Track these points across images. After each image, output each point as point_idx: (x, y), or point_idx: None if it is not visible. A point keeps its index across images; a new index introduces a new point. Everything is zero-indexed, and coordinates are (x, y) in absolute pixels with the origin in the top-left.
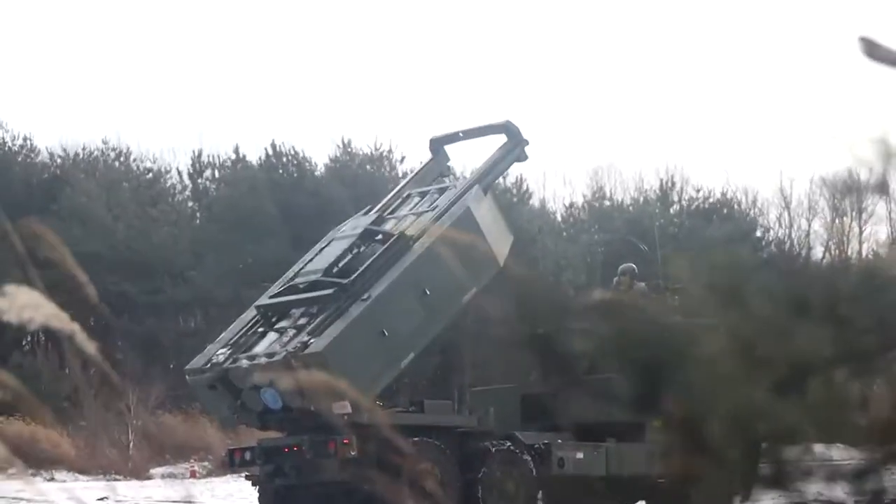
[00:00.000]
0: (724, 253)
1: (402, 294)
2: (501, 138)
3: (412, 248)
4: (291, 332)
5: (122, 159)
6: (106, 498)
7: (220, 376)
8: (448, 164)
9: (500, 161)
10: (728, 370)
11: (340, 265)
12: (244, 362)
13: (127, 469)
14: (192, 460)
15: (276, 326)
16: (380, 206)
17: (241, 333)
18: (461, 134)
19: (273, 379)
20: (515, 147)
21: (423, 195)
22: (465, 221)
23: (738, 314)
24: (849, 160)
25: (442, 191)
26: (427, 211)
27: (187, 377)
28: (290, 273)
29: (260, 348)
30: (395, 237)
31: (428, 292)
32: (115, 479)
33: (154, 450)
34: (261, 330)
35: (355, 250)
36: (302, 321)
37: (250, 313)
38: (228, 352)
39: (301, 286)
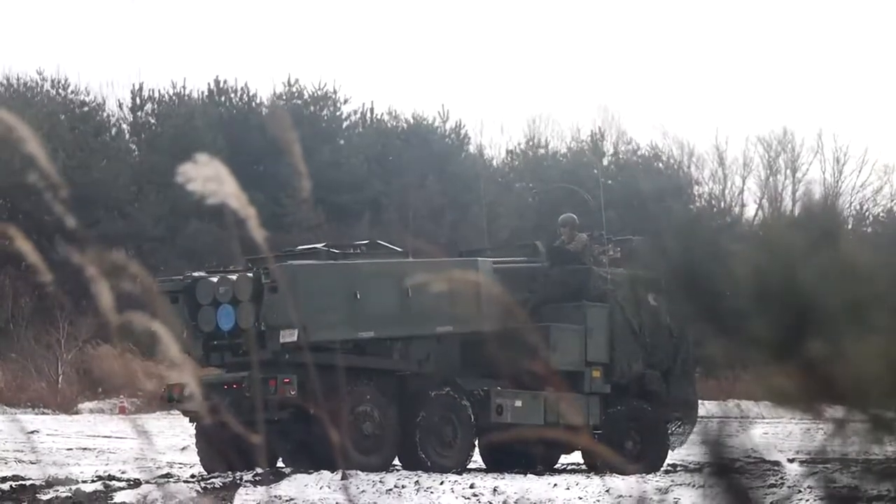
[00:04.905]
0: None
1: (384, 280)
2: None
3: (406, 259)
4: None
5: (59, 91)
6: (36, 431)
7: (186, 287)
8: None
9: (516, 264)
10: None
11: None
12: (215, 277)
13: (55, 403)
14: (121, 396)
15: None
16: None
17: (224, 269)
18: (489, 251)
19: (236, 291)
20: (534, 263)
21: None
22: (466, 267)
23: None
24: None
25: None
26: None
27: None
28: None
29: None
30: (398, 251)
31: (409, 296)
32: (44, 413)
33: (83, 384)
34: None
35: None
36: None
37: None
38: (205, 273)
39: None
